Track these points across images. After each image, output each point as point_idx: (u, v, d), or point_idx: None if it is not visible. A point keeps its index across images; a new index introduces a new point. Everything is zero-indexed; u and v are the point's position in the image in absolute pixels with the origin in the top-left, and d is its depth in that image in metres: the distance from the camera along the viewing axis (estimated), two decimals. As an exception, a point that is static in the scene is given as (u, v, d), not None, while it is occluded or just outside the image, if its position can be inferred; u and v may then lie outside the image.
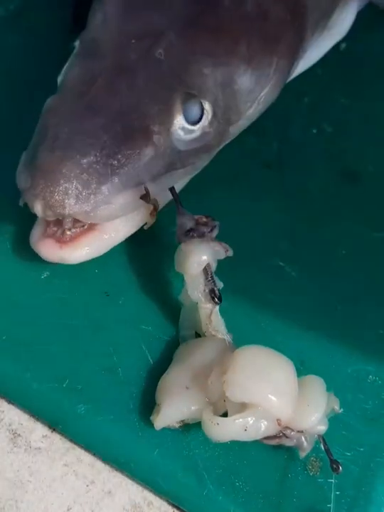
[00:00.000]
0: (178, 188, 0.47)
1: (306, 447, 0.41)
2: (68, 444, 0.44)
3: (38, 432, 0.45)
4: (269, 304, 0.47)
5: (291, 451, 0.42)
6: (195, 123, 0.45)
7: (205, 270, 0.43)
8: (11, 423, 0.45)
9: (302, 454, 0.41)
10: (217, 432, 0.40)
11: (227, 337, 0.43)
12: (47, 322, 0.46)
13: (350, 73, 0.58)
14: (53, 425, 0.44)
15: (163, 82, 0.44)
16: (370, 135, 0.55)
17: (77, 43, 0.46)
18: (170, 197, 0.46)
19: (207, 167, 0.49)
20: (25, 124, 0.44)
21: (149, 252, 0.49)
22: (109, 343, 0.45)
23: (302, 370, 0.43)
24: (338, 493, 0.41)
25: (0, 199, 0.50)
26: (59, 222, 0.44)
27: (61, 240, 0.44)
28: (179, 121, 0.44)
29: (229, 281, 0.45)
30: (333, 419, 0.42)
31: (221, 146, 0.48)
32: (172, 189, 0.46)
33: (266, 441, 0.41)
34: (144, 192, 0.43)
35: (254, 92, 0.47)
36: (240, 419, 0.39)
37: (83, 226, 0.44)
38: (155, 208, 0.45)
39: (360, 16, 0.57)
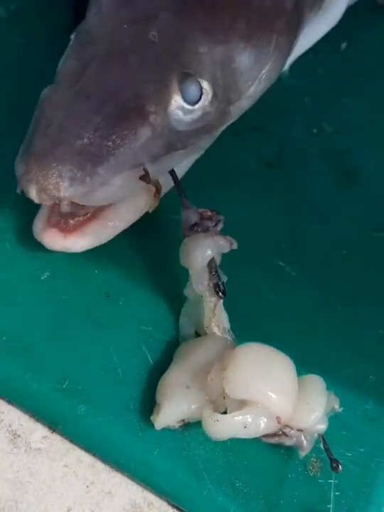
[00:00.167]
0: (181, 170, 0.47)
1: (306, 446, 0.41)
2: (68, 445, 0.44)
3: (38, 432, 0.45)
4: (269, 303, 0.47)
5: (291, 452, 0.42)
6: (194, 103, 0.44)
7: (210, 264, 0.44)
8: (11, 424, 0.45)
9: (302, 454, 0.41)
10: (216, 429, 0.40)
11: (230, 332, 0.44)
12: (47, 322, 0.46)
13: (350, 73, 0.58)
14: (53, 426, 0.44)
15: (157, 63, 0.43)
16: (370, 135, 0.55)
17: (72, 36, 0.46)
18: (172, 183, 0.46)
19: (207, 166, 0.49)
20: (26, 123, 0.44)
21: (149, 253, 0.49)
22: (109, 343, 0.45)
23: (302, 369, 0.43)
24: (338, 493, 0.41)
25: (0, 199, 0.50)
26: (62, 211, 0.44)
27: (65, 230, 0.44)
28: (177, 101, 0.44)
29: (229, 281, 0.45)
30: (333, 419, 0.42)
31: (223, 127, 0.48)
32: (176, 181, 0.45)
33: (265, 439, 0.41)
34: (144, 173, 0.43)
35: (254, 70, 0.46)
36: (240, 416, 0.39)
37: (86, 214, 0.44)
38: (157, 190, 0.45)
39: (360, 16, 0.57)
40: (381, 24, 0.60)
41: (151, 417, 0.42)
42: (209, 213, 0.45)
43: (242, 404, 0.40)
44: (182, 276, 0.45)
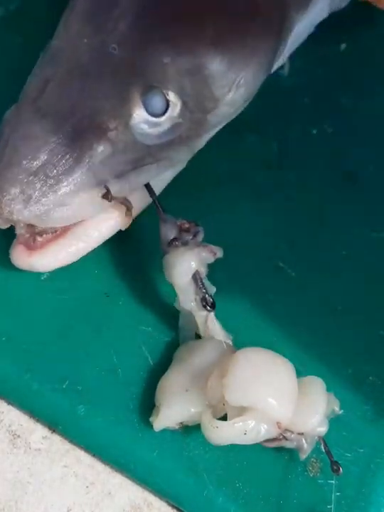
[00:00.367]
0: (161, 185, 0.46)
1: (307, 449, 0.41)
2: (68, 445, 0.44)
3: (37, 433, 0.45)
4: (269, 304, 0.47)
5: (291, 452, 0.42)
6: (159, 115, 0.42)
7: (195, 277, 0.43)
8: (11, 424, 0.45)
9: (302, 456, 0.41)
10: (216, 435, 0.40)
11: (227, 340, 0.43)
12: (47, 323, 0.46)
13: (350, 73, 0.58)
14: (53, 426, 0.44)
15: (117, 77, 0.42)
16: (370, 135, 0.55)
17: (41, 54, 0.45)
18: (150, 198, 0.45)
19: (207, 167, 0.48)
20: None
21: (150, 253, 0.49)
22: (109, 343, 0.45)
23: (302, 370, 0.43)
24: (338, 494, 0.41)
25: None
26: (31, 227, 0.43)
27: (31, 247, 0.43)
28: (140, 114, 0.42)
29: (228, 282, 0.45)
30: (333, 420, 0.42)
31: (205, 136, 0.46)
32: (153, 194, 0.44)
33: (266, 444, 0.41)
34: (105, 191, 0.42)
35: (229, 76, 0.43)
36: (240, 423, 0.39)
37: (55, 232, 0.43)
38: (128, 208, 0.44)
39: (360, 16, 0.57)
40: (381, 24, 0.60)
41: (150, 419, 0.42)
42: (187, 225, 0.44)
43: (242, 410, 0.40)
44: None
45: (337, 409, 0.42)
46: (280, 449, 0.42)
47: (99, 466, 0.44)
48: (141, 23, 0.43)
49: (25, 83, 0.45)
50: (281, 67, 0.52)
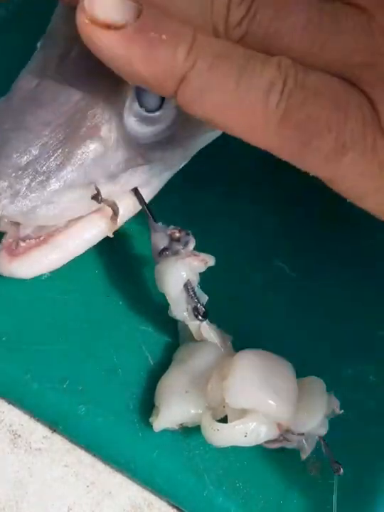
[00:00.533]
0: (154, 188, 0.45)
1: (308, 449, 0.41)
2: (68, 445, 0.44)
3: (38, 432, 0.45)
4: (269, 304, 0.47)
5: (291, 452, 0.42)
6: (153, 110, 0.41)
7: (186, 287, 0.42)
8: (12, 424, 0.45)
9: (303, 456, 0.41)
10: (217, 437, 0.40)
11: (223, 345, 0.43)
12: (47, 323, 0.46)
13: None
14: (54, 426, 0.44)
15: (111, 69, 0.40)
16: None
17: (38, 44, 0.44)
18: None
19: (206, 166, 0.48)
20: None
21: (150, 253, 0.49)
22: (109, 343, 0.45)
23: (302, 370, 0.43)
24: (338, 493, 0.41)
25: None
26: (16, 230, 0.41)
27: (13, 253, 0.41)
28: (133, 108, 0.41)
29: (228, 282, 0.45)
30: (333, 420, 0.42)
31: (199, 140, 0.45)
32: (142, 201, 0.43)
33: (267, 445, 0.41)
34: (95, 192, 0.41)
35: None
36: (241, 425, 0.39)
37: (40, 237, 0.42)
38: (114, 212, 0.42)
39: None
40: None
41: (150, 419, 0.42)
42: (177, 234, 0.43)
43: (242, 412, 0.40)
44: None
45: (337, 409, 0.41)
46: (280, 449, 0.42)
47: (100, 466, 0.44)
48: None
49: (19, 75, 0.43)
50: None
